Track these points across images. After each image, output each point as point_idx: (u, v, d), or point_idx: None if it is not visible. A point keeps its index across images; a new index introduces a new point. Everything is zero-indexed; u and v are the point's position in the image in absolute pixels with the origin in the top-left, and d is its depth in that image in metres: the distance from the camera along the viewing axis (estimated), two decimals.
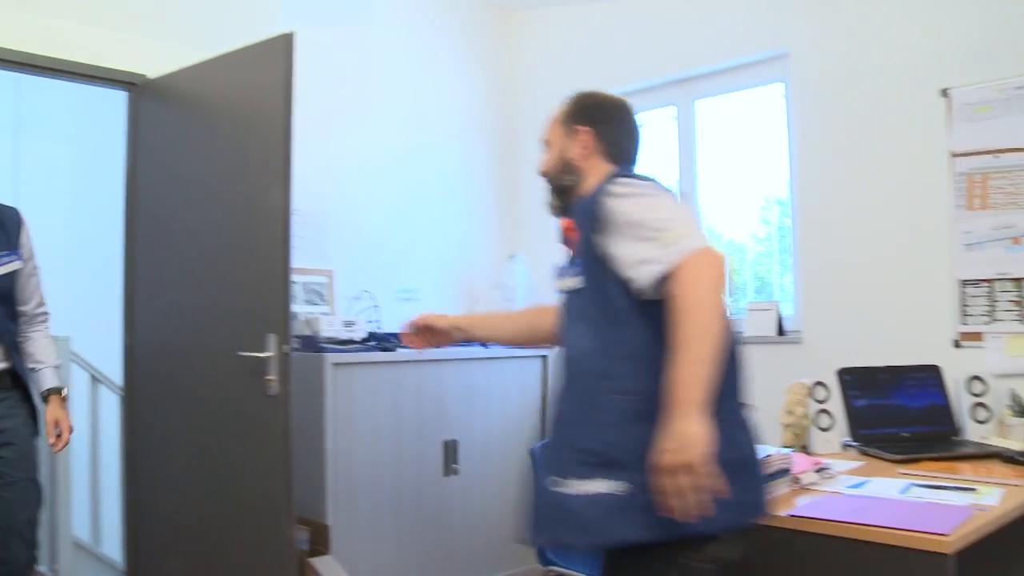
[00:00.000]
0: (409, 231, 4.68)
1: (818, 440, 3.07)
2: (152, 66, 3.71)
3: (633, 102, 4.82)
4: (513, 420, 4.41)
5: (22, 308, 3.17)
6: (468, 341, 2.95)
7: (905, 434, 3.12)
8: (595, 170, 2.19)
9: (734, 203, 4.51)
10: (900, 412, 3.18)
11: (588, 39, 4.94)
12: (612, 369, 1.87)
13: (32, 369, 3.18)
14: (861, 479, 2.46)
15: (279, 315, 3.13)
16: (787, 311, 4.15)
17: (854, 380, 3.19)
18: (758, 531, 1.92)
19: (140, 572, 3.69)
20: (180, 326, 3.58)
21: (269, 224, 3.14)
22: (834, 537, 1.92)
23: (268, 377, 3.11)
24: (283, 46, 3.18)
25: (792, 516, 2.02)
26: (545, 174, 2.32)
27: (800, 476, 2.37)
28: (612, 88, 4.74)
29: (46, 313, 3.27)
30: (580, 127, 2.27)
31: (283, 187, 3.12)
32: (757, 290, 4.44)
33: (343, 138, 4.44)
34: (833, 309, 3.87)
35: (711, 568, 1.82)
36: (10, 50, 3.32)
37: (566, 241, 2.16)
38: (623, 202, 1.93)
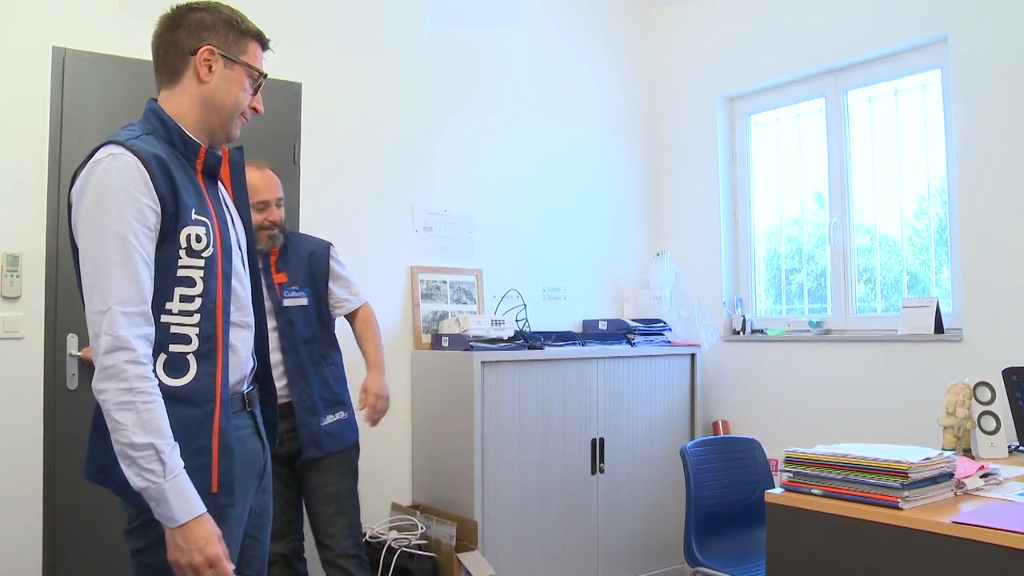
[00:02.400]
0: (556, 230, 4.72)
1: (982, 443, 2.94)
2: (307, 73, 3.89)
3: (781, 95, 4.78)
4: (660, 419, 4.39)
5: None
6: None
7: None
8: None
9: (886, 196, 4.35)
10: None
11: (732, 32, 4.87)
12: (329, 352, 3.24)
13: None
14: None
15: None
16: (945, 308, 3.98)
17: (1023, 381, 3.04)
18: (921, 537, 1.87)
19: None
20: None
21: None
22: (1004, 547, 1.84)
23: None
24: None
25: (956, 523, 1.94)
26: (278, 225, 3.14)
27: (964, 481, 2.28)
28: (759, 82, 4.73)
29: None
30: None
31: None
32: (909, 285, 4.28)
33: (490, 139, 4.52)
34: (997, 306, 3.70)
35: None
36: None
37: (267, 270, 3.13)
38: (341, 265, 3.30)
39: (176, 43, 1.87)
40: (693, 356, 4.57)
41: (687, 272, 4.96)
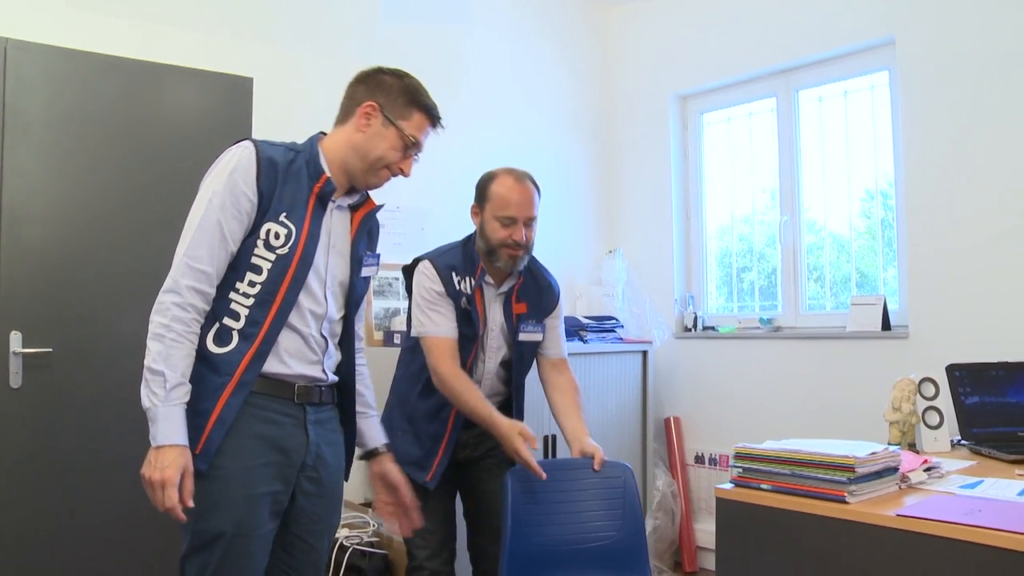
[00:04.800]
0: None
1: (926, 438, 2.99)
2: (258, 67, 3.84)
3: (733, 94, 4.81)
4: (612, 416, 4.40)
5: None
6: None
7: (1021, 433, 3.00)
8: None
9: (835, 195, 4.42)
10: (1015, 410, 3.07)
11: (684, 31, 4.91)
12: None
13: (361, 414, 2.35)
14: (974, 479, 2.38)
15: None
16: (892, 305, 4.05)
17: (965, 376, 3.09)
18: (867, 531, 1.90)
19: None
20: None
21: None
22: (946, 539, 1.87)
23: None
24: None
25: (900, 516, 1.97)
26: (523, 246, 2.87)
27: (908, 475, 2.31)
28: (712, 81, 4.76)
29: (362, 343, 2.44)
30: None
31: None
32: (858, 283, 4.34)
33: (442, 137, 4.47)
34: (942, 303, 3.77)
35: None
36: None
37: (508, 297, 2.88)
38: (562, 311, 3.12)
39: (355, 93, 2.16)
40: (645, 353, 4.59)
41: (639, 269, 4.99)
